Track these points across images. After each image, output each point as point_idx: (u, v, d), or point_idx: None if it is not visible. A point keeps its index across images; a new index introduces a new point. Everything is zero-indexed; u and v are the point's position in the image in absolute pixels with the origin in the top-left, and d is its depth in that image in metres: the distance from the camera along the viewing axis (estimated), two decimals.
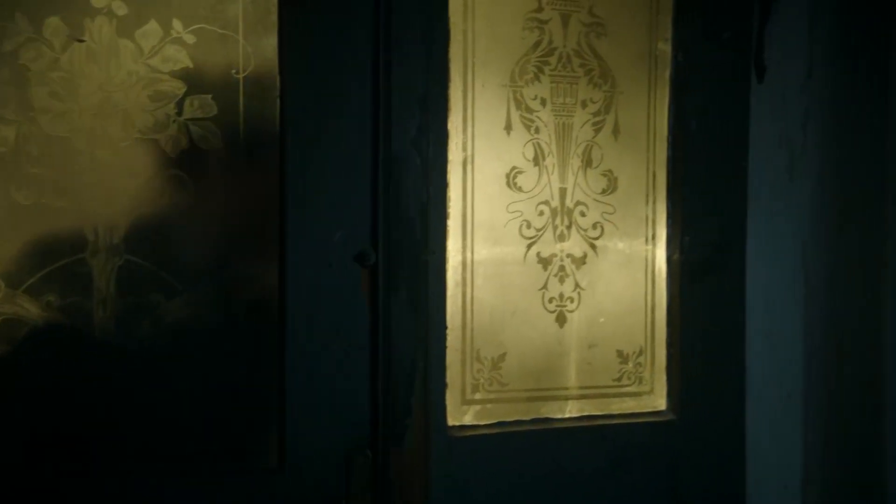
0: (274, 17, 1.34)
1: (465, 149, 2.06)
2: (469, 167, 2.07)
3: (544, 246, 2.13)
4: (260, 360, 1.39)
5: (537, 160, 2.11)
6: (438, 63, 2.00)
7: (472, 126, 2.07)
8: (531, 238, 2.12)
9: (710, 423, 2.19)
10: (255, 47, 1.36)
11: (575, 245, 2.16)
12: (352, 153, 1.29)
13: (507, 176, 2.10)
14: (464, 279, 2.06)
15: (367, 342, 1.27)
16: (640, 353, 2.18)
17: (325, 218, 1.30)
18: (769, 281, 2.32)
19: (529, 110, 2.11)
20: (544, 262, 2.13)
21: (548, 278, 2.13)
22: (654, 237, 2.21)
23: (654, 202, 2.21)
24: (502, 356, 2.08)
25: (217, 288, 1.41)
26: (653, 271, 2.22)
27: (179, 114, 1.42)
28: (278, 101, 1.32)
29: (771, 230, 2.32)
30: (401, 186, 1.26)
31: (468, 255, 2.07)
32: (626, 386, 2.19)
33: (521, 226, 2.10)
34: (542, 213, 2.12)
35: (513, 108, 2.10)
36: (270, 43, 1.33)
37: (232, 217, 1.42)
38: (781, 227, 2.34)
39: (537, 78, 2.11)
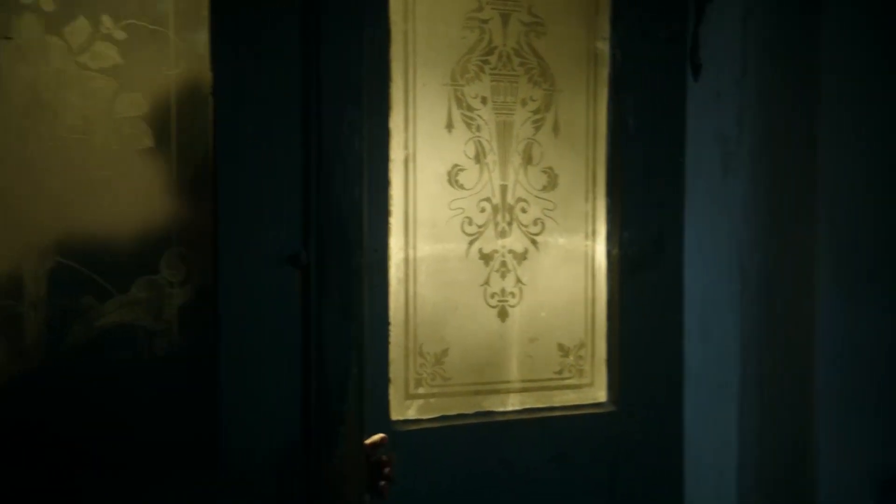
0: (205, 13, 1.29)
1: (406, 147, 2.04)
2: (411, 165, 2.05)
3: (486, 242, 2.11)
4: (193, 363, 1.35)
5: (479, 158, 2.09)
6: (378, 62, 1.97)
7: (414, 125, 2.04)
8: (473, 234, 2.09)
9: (649, 414, 2.19)
10: (186, 43, 1.32)
11: (516, 241, 2.14)
12: (284, 152, 1.25)
13: (449, 173, 2.07)
14: (406, 276, 2.04)
15: (300, 344, 1.23)
16: (581, 346, 2.17)
17: (257, 219, 1.26)
18: (706, 275, 2.33)
19: (471, 109, 2.08)
20: (486, 257, 2.11)
21: (489, 274, 2.11)
22: (594, 233, 2.20)
23: (594, 198, 2.20)
24: (445, 351, 2.06)
25: (151, 291, 1.36)
26: (593, 266, 2.21)
27: (110, 112, 1.37)
28: (210, 98, 1.29)
29: (708, 225, 2.32)
30: (332, 186, 1.23)
31: (411, 252, 2.05)
32: (568, 379, 2.18)
33: (463, 222, 2.08)
34: (483, 210, 2.10)
35: (454, 107, 2.07)
36: (202, 39, 1.29)
37: (165, 218, 1.37)
38: (718, 222, 2.34)
39: (478, 77, 2.09)
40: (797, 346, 2.23)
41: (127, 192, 1.37)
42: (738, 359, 2.32)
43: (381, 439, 1.43)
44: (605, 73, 2.18)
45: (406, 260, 2.02)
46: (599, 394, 2.19)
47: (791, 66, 2.27)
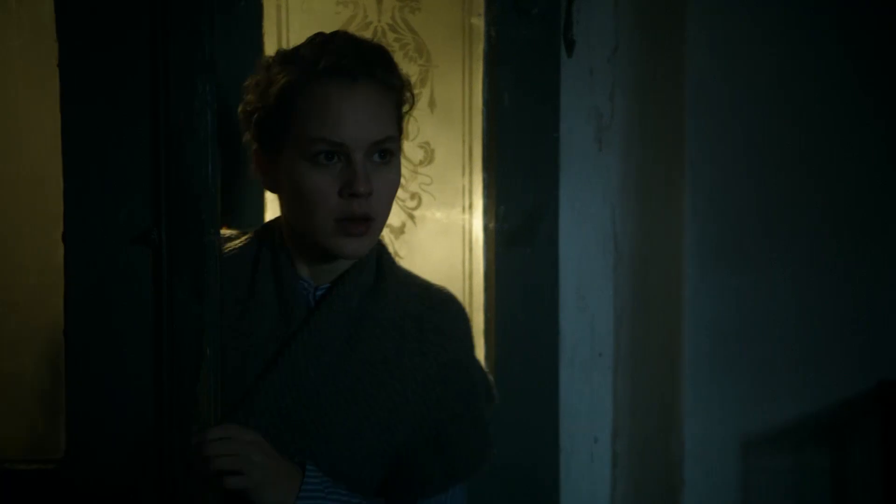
0: None
1: None
2: None
3: None
4: (45, 347, 1.29)
5: None
6: (251, 36, 1.91)
7: None
8: None
9: (525, 384, 2.19)
10: (30, 13, 1.25)
11: (393, 216, 2.10)
12: (133, 128, 1.19)
13: None
14: None
15: (152, 326, 1.18)
16: None
17: (106, 196, 1.20)
18: (582, 247, 2.34)
19: None
20: None
21: None
22: (471, 207, 2.19)
23: (471, 173, 2.19)
24: None
25: (2, 271, 1.30)
26: (470, 240, 2.19)
27: None
28: (57, 70, 1.22)
29: (583, 199, 2.33)
30: (182, 163, 1.17)
31: None
32: None
33: None
34: None
35: None
36: (47, 9, 1.22)
37: (16, 195, 1.30)
38: (593, 195, 2.35)
39: None
40: (667, 315, 2.26)
41: None
42: (612, 327, 2.34)
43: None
44: (480, 49, 2.16)
45: None
46: None
47: (659, 43, 2.29)
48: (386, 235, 2.08)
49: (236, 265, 1.39)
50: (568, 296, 2.30)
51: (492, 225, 2.17)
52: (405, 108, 1.42)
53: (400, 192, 2.10)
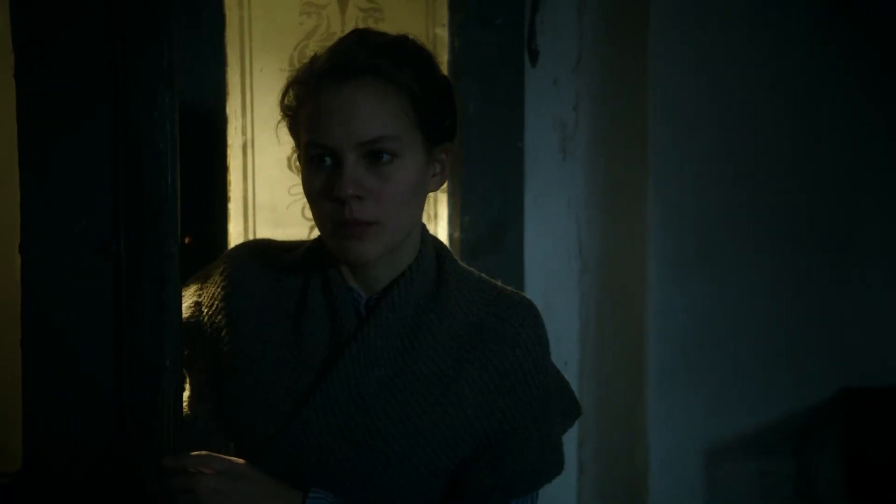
0: None
1: (244, 132, 1.99)
2: (249, 150, 2.00)
3: None
4: (2, 357, 1.28)
5: None
6: (214, 47, 1.91)
7: (252, 110, 1.99)
8: (313, 219, 2.06)
9: None
10: None
11: None
12: (92, 139, 1.19)
13: (289, 159, 2.03)
14: None
15: (113, 338, 1.18)
16: None
17: (66, 207, 1.20)
18: (547, 256, 2.35)
19: None
20: None
21: None
22: (436, 216, 2.20)
23: None
24: None
25: None
26: None
27: None
28: (13, 81, 1.21)
29: (547, 208, 2.35)
30: (142, 175, 1.17)
31: (250, 236, 2.00)
32: None
33: (303, 207, 2.04)
34: None
35: None
36: (2, 17, 1.22)
37: None
38: (558, 204, 2.37)
39: None
40: (631, 323, 2.28)
41: None
42: (577, 337, 2.35)
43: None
44: (444, 58, 2.17)
45: None
46: None
47: (623, 54, 2.31)
48: None
49: (288, 279, 1.37)
50: (536, 304, 2.30)
51: (457, 234, 2.18)
52: (428, 103, 1.29)
53: None
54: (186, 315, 1.38)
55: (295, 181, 2.03)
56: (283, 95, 1.33)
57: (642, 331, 2.26)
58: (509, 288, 1.43)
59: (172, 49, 1.20)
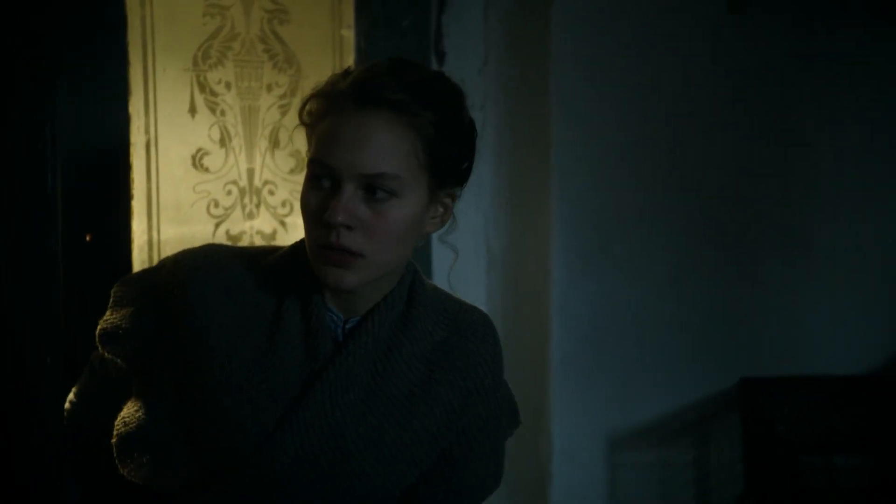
0: None
1: (147, 131, 2.02)
2: (153, 149, 2.03)
3: (233, 224, 2.12)
4: None
5: (224, 142, 2.10)
6: (115, 47, 1.94)
7: (155, 109, 2.03)
8: (219, 217, 2.10)
9: None
10: None
11: (265, 222, 2.16)
12: None
13: (193, 157, 2.07)
14: (150, 257, 2.02)
15: None
16: None
17: None
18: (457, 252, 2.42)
19: (214, 94, 2.09)
20: (234, 239, 2.12)
21: None
22: None
23: None
24: None
25: None
26: None
27: None
28: None
29: (456, 206, 2.42)
30: (21, 175, 1.21)
31: (154, 234, 2.03)
32: None
33: (208, 205, 2.09)
34: (230, 193, 2.11)
35: (197, 92, 2.07)
36: None
37: None
38: (465, 203, 2.41)
39: (221, 63, 2.09)
40: (536, 316, 2.36)
41: None
42: None
43: None
44: (350, 60, 2.22)
45: (150, 242, 2.01)
46: None
47: (526, 56, 2.39)
48: (257, 242, 2.14)
49: (260, 293, 1.30)
50: None
51: None
52: (443, 148, 1.27)
53: (271, 200, 2.17)
54: (136, 328, 1.32)
55: (199, 179, 2.07)
56: (305, 104, 1.30)
57: (546, 323, 2.34)
58: (466, 302, 1.44)
59: (58, 53, 1.22)
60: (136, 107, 2.00)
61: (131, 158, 1.98)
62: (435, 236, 2.32)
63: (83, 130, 1.84)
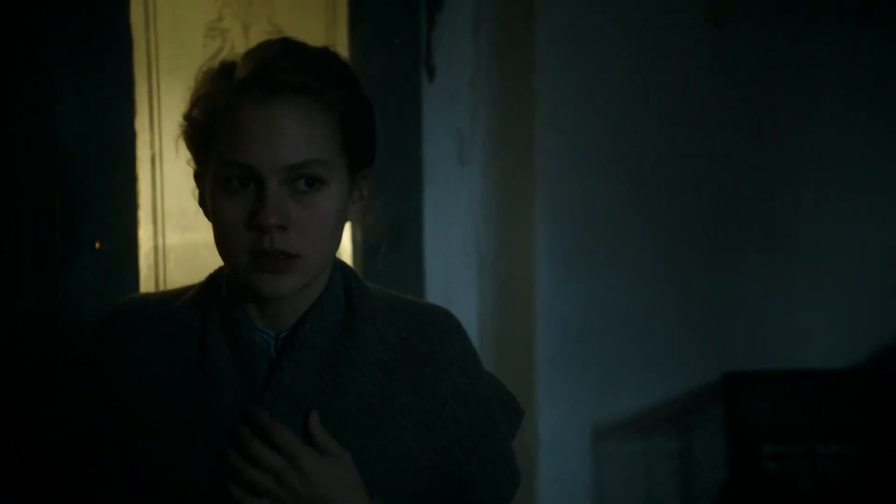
0: None
1: (153, 146, 2.18)
2: (158, 162, 2.19)
3: None
4: None
5: None
6: (121, 68, 2.10)
7: (160, 125, 2.19)
8: None
9: None
10: None
11: None
12: None
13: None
14: (156, 263, 2.18)
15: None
16: None
17: None
18: (447, 255, 2.55)
19: None
20: None
21: None
22: None
23: None
24: None
25: None
26: (339, 250, 2.39)
27: None
28: None
29: (447, 211, 2.55)
30: (26, 194, 1.33)
31: (160, 241, 2.19)
32: None
33: None
34: None
35: None
36: None
37: None
38: (456, 207, 2.57)
39: None
40: (524, 314, 2.48)
41: None
42: (476, 328, 2.55)
43: None
44: None
45: (155, 248, 2.16)
46: None
47: (514, 67, 2.52)
48: None
49: (180, 331, 1.20)
50: (434, 300, 2.50)
51: (359, 237, 2.37)
52: (355, 126, 1.18)
53: None
54: (87, 412, 1.26)
55: None
56: (192, 107, 1.16)
57: (533, 321, 2.46)
58: (421, 301, 1.33)
59: (66, 71, 1.32)
60: (141, 123, 2.14)
61: (137, 171, 2.13)
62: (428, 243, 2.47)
63: (92, 146, 1.98)
